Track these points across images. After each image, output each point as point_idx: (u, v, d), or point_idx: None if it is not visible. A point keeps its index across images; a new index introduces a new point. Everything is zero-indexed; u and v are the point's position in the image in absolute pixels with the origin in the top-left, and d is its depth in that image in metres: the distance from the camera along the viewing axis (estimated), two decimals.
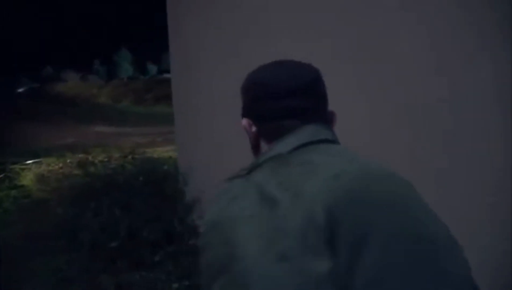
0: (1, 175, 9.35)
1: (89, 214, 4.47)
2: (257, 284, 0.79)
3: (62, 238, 4.85)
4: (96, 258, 4.22)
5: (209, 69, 4.46)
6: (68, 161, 10.75)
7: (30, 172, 10.01)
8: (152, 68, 74.34)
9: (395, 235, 0.75)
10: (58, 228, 5.10)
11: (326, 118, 1.05)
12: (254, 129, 1.05)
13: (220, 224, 0.91)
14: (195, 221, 4.32)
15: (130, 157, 4.95)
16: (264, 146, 1.03)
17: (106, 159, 8.38)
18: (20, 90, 45.06)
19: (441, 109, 2.32)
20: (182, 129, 5.08)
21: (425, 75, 2.39)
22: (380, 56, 2.63)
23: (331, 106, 1.08)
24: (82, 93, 42.92)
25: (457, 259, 0.76)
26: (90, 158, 10.18)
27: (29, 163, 11.01)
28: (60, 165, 10.50)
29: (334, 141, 1.00)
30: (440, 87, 2.31)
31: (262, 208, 0.85)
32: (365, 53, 2.72)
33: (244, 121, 1.07)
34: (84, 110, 31.55)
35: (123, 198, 4.36)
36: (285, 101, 1.00)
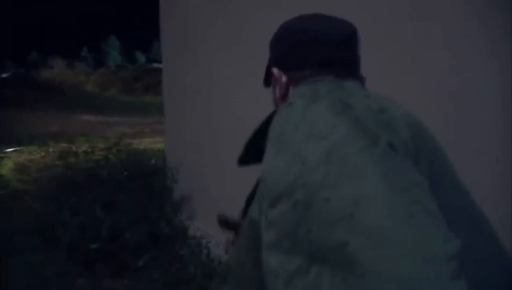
0: None
1: (68, 211, 4.10)
2: (372, 172, 0.70)
3: (38, 235, 4.48)
4: (73, 260, 3.86)
5: (203, 57, 4.12)
6: (51, 150, 10.32)
7: (10, 161, 9.56)
8: (141, 57, 73.58)
9: (448, 184, 0.82)
10: (34, 224, 4.72)
11: (360, 78, 1.01)
12: (284, 79, 1.00)
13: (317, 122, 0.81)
14: (184, 222, 3.98)
15: (114, 149, 4.56)
16: None
17: (89, 150, 7.98)
18: (4, 75, 44.03)
19: (448, 111, 2.22)
20: (172, 121, 4.72)
21: (439, 73, 2.27)
22: (393, 54, 2.47)
23: None
24: (69, 81, 42.13)
25: (484, 214, 0.88)
26: (73, 147, 9.77)
27: (9, 152, 10.55)
28: (42, 154, 10.08)
29: None
30: (452, 85, 2.21)
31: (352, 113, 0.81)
32: (376, 50, 2.47)
33: (275, 71, 1.03)
34: (70, 97, 30.94)
35: (106, 194, 3.99)
36: (326, 48, 0.97)
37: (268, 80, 1.09)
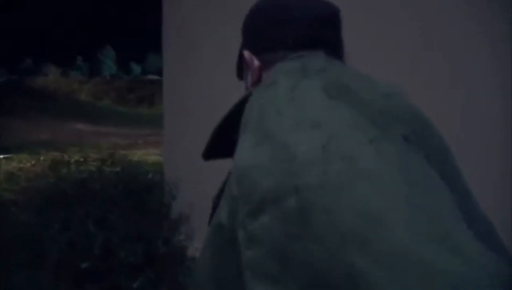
0: None
1: (57, 226, 3.84)
2: (389, 174, 0.52)
3: (24, 250, 4.21)
4: (62, 279, 3.60)
5: (205, 68, 3.94)
6: (42, 158, 10.07)
7: None
8: (136, 68, 73.65)
9: (458, 189, 0.66)
10: (20, 237, 4.46)
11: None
12: (257, 63, 0.86)
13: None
14: (182, 242, 3.74)
15: (109, 161, 4.32)
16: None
17: (81, 159, 7.73)
18: None
19: (452, 117, 2.21)
20: (172, 133, 4.51)
21: (439, 73, 2.31)
22: (392, 54, 2.49)
23: None
24: (63, 89, 41.88)
25: (492, 222, 0.78)
26: (65, 157, 9.51)
27: None
28: (33, 162, 9.82)
29: None
30: (452, 85, 2.24)
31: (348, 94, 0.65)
32: (376, 51, 2.51)
33: (246, 54, 0.89)
34: (63, 106, 30.69)
35: (99, 209, 3.75)
36: (304, 27, 0.83)
37: (241, 69, 0.95)
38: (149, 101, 36.46)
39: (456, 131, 2.10)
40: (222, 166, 3.70)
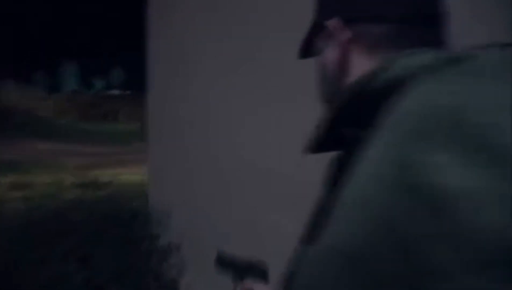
0: None
1: (34, 262, 3.46)
2: None
3: None
4: None
5: (198, 85, 3.69)
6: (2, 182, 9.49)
7: None
8: (99, 83, 72.49)
9: None
10: None
11: None
12: (347, 34, 0.68)
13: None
14: (174, 277, 3.43)
15: (91, 188, 3.94)
16: (360, 61, 0.67)
17: (48, 181, 7.26)
18: None
19: None
20: (158, 156, 4.20)
21: None
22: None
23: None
24: (22, 105, 40.55)
25: None
26: (28, 179, 9.00)
27: None
28: None
29: None
30: None
31: None
32: None
33: (332, 23, 0.69)
34: (23, 123, 29.58)
35: (81, 243, 3.40)
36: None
37: (309, 45, 0.78)
38: (113, 117, 35.83)
39: None
40: (214, 193, 3.42)
